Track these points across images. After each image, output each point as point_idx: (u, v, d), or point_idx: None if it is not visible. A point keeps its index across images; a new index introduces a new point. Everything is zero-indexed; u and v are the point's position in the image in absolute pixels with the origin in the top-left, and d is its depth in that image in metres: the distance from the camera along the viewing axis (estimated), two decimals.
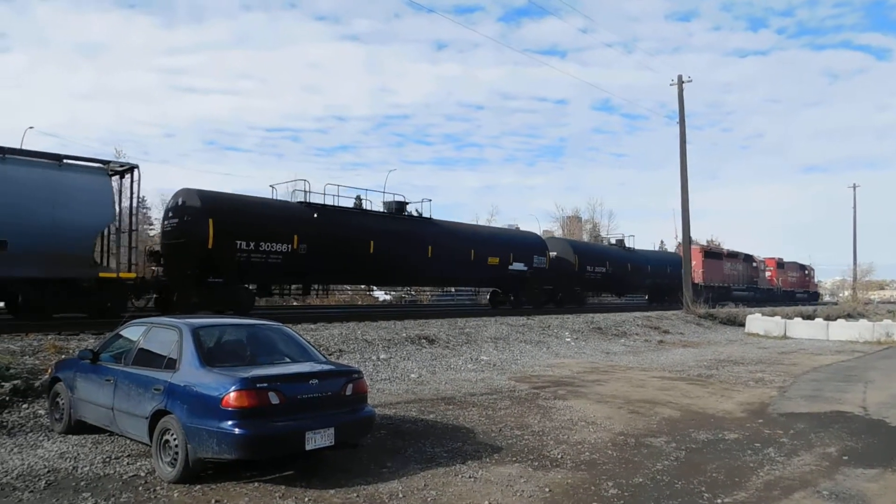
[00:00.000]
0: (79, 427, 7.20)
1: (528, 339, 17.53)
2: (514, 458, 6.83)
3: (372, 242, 21.45)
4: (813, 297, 64.63)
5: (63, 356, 9.47)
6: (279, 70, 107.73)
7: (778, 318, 26.71)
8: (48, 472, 5.97)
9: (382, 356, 13.19)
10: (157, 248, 18.67)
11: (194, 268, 17.44)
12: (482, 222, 26.12)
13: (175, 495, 5.43)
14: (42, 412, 7.89)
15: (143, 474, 5.94)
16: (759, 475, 6.46)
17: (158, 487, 5.61)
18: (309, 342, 7.43)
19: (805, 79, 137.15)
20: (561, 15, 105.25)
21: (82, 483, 5.71)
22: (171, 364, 6.15)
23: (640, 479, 6.21)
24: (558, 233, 58.45)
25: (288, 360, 6.76)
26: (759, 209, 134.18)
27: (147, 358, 6.53)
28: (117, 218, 16.27)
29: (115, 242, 16.51)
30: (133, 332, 7.10)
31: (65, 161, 15.06)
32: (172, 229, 17.76)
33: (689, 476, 6.34)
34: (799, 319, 26.79)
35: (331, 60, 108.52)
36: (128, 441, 6.82)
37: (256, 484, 5.73)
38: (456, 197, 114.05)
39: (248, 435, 5.46)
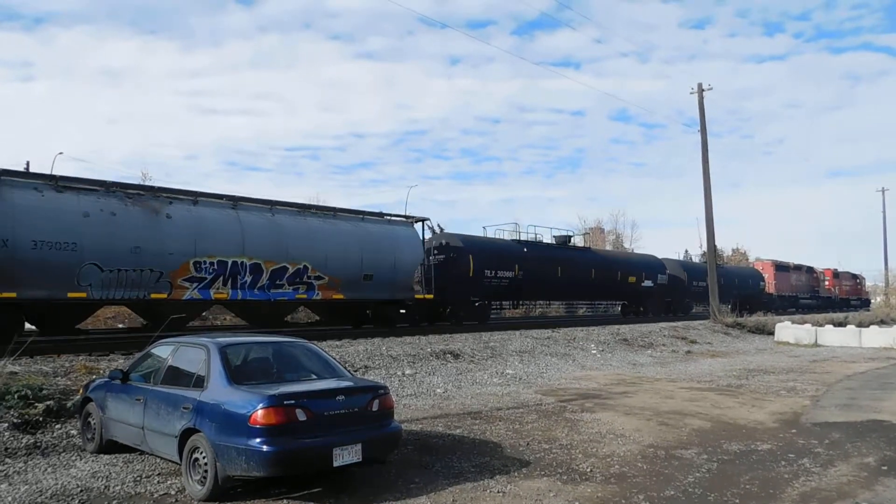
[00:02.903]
0: (110, 446, 7.28)
1: (554, 352, 17.40)
2: (543, 472, 6.76)
3: (559, 268, 28.68)
4: (865, 303, 67.75)
5: (94, 376, 9.61)
6: (297, 90, 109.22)
7: (808, 325, 26.19)
8: (81, 491, 6.05)
9: (408, 371, 13.18)
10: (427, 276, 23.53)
11: (461, 291, 24.09)
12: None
13: None
14: (74, 432, 8.01)
15: (173, 492, 5.99)
16: (795, 486, 6.32)
17: None
18: (334, 358, 7.47)
19: (825, 82, 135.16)
20: (574, 26, 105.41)
21: (114, 502, 5.78)
22: (199, 382, 6.22)
23: (672, 492, 6.11)
24: (581, 244, 58.14)
25: (314, 376, 6.80)
26: (785, 215, 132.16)
27: (176, 377, 6.61)
28: (427, 257, 22.60)
29: (421, 274, 22.48)
30: (162, 352, 7.19)
31: (387, 217, 21.88)
32: (440, 263, 23.40)
33: (722, 488, 6.23)
34: (830, 327, 26.23)
35: (347, 79, 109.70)
36: (158, 460, 6.89)
37: (285, 501, 5.74)
38: (475, 211, 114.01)
39: (276, 452, 5.48)
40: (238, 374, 6.23)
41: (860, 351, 21.77)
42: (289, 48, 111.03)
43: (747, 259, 70.21)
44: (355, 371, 12.00)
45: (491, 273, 25.30)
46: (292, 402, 5.71)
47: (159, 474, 6.56)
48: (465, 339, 17.35)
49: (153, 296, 15.78)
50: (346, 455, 5.81)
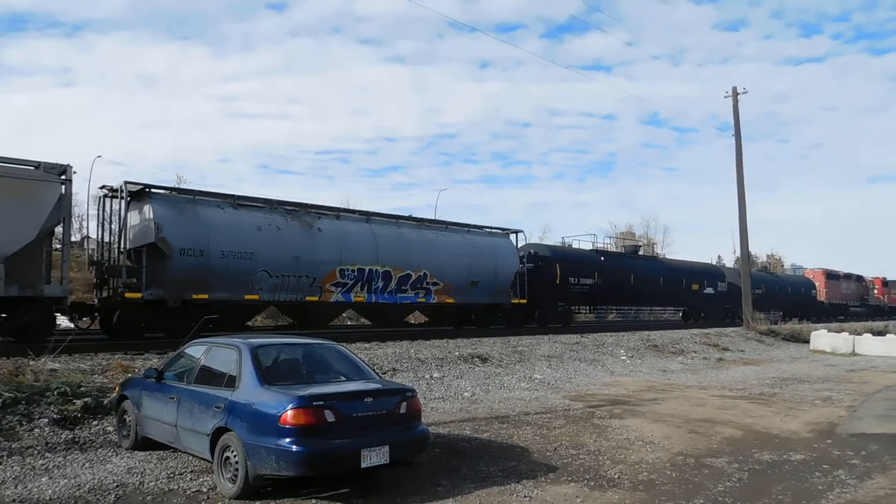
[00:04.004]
0: (145, 443, 7.46)
1: (583, 358, 17.28)
2: (570, 478, 6.73)
3: (632, 276, 31.20)
4: None
5: (130, 375, 9.85)
6: (328, 94, 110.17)
7: (845, 334, 25.53)
8: (117, 486, 6.21)
9: (436, 375, 13.23)
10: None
11: (549, 296, 26.56)
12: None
13: None
14: (111, 429, 8.22)
15: (205, 490, 6.11)
16: (829, 498, 6.19)
17: (220, 503, 5.77)
18: (363, 361, 7.54)
19: (865, 84, 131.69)
20: (605, 29, 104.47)
21: (149, 498, 5.92)
22: (231, 382, 6.34)
23: (701, 501, 6.04)
24: (612, 248, 57.78)
25: (343, 378, 6.88)
26: (822, 221, 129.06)
27: (208, 376, 6.74)
28: (519, 266, 24.54)
29: (516, 281, 24.31)
30: (195, 352, 7.34)
31: (487, 230, 24.48)
32: (530, 271, 25.39)
33: (753, 498, 6.13)
34: (868, 336, 25.49)
35: (377, 82, 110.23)
36: (190, 457, 7.03)
37: (314, 501, 5.82)
38: (505, 215, 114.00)
39: (306, 452, 5.56)
40: (269, 374, 6.33)
41: None
42: (319, 53, 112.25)
43: (782, 265, 68.96)
44: (383, 373, 12.09)
45: (574, 280, 27.90)
46: (321, 403, 5.79)
47: (192, 472, 6.70)
48: (494, 343, 17.33)
49: (308, 298, 18.31)
50: (374, 457, 5.87)
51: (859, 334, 25.57)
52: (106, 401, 8.86)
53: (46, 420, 8.14)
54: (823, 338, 25.42)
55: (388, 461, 5.98)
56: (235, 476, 5.84)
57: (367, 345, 15.51)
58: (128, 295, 15.08)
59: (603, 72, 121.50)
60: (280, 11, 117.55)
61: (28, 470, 6.73)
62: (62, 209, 13.87)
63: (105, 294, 15.76)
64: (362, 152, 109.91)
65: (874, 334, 26.33)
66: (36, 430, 7.93)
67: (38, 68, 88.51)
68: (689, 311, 38.07)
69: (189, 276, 15.84)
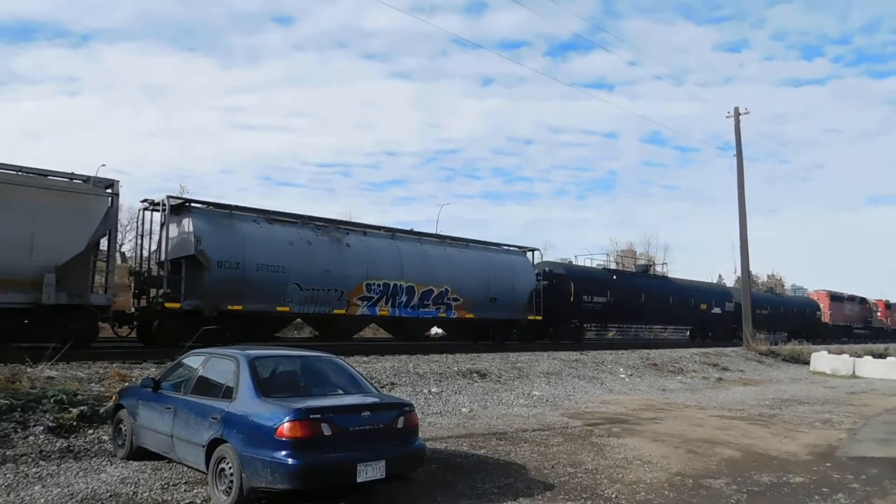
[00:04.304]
0: (140, 453, 7.41)
1: (582, 375, 17.21)
2: (567, 497, 6.68)
3: (643, 295, 31.92)
4: None
5: (126, 384, 9.82)
6: (331, 107, 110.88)
7: (846, 356, 25.43)
8: (110, 496, 6.16)
9: (434, 390, 13.17)
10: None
11: (562, 313, 27.16)
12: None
13: None
14: (106, 438, 8.17)
15: (198, 502, 6.07)
16: None
17: None
18: (361, 374, 7.51)
19: (867, 107, 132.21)
20: (608, 48, 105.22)
21: None
22: (228, 393, 6.31)
23: None
24: (612, 266, 57.81)
25: (341, 391, 6.85)
26: (822, 242, 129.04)
27: (205, 387, 6.71)
28: (536, 283, 25.12)
29: (531, 298, 24.94)
30: (193, 362, 7.32)
31: (505, 247, 25.30)
32: (545, 288, 25.82)
33: None
34: (869, 358, 25.38)
35: (381, 97, 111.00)
36: (185, 468, 6.98)
37: None
38: (506, 231, 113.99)
39: (301, 465, 5.53)
40: (266, 386, 6.30)
41: None
42: (324, 67, 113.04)
43: (783, 285, 68.90)
44: (381, 387, 12.04)
45: (588, 298, 28.63)
46: (318, 416, 5.76)
47: (186, 483, 6.65)
48: (492, 359, 17.27)
49: (335, 311, 19.00)
50: (370, 471, 5.83)
51: (860, 356, 25.47)
52: (102, 409, 8.82)
53: (42, 428, 8.09)
54: (823, 359, 25.31)
55: (384, 476, 5.94)
56: (230, 488, 5.79)
57: (365, 358, 15.45)
58: (167, 305, 15.66)
59: (605, 90, 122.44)
60: (286, 25, 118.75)
61: (21, 478, 6.68)
62: (109, 221, 14.56)
63: (142, 303, 16.35)
64: (364, 166, 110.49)
65: (875, 356, 26.21)
66: (31, 437, 7.88)
67: (45, 76, 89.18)
68: (695, 330, 38.77)
69: (225, 288, 16.46)
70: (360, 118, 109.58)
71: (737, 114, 31.47)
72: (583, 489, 6.98)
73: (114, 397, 8.46)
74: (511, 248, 25.65)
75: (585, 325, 30.81)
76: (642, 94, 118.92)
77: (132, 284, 16.85)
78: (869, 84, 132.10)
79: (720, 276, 65.58)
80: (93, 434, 8.30)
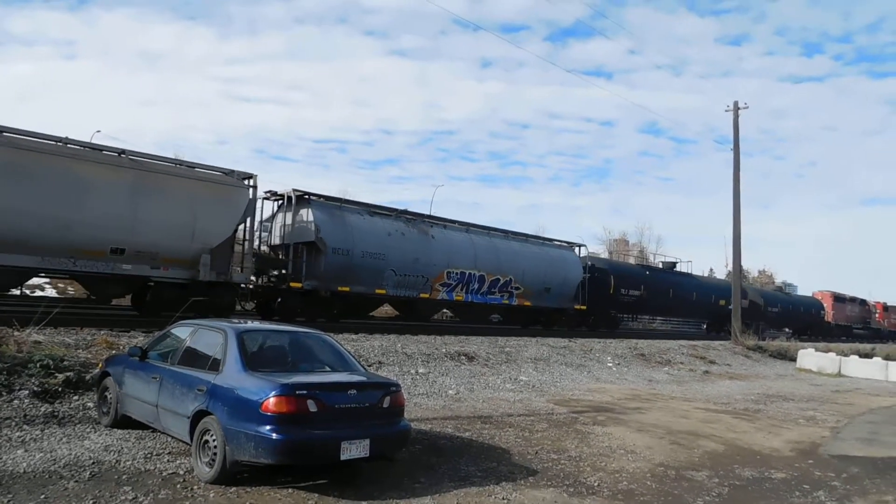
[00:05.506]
0: (124, 422, 7.40)
1: (569, 362, 17.27)
2: (550, 483, 6.71)
3: (671, 290, 34.98)
4: None
5: (114, 351, 9.78)
6: (329, 82, 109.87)
7: (832, 354, 25.60)
8: (93, 463, 6.15)
9: (421, 370, 13.19)
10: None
11: (602, 304, 29.74)
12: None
13: (211, 496, 5.52)
14: (91, 405, 8.15)
15: (181, 472, 6.06)
16: None
17: (195, 487, 5.71)
18: (349, 352, 7.49)
19: (865, 107, 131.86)
20: (609, 35, 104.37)
21: (124, 477, 5.86)
22: (214, 366, 6.28)
23: None
24: (604, 255, 57.95)
25: (328, 368, 6.83)
26: (815, 240, 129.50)
27: (192, 358, 6.68)
28: (583, 275, 27.78)
29: (577, 289, 27.67)
30: (181, 332, 7.28)
31: (556, 242, 28.55)
32: (588, 280, 28.21)
33: None
34: (855, 357, 25.55)
35: (380, 74, 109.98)
36: (169, 439, 6.97)
37: (290, 490, 5.77)
38: (499, 214, 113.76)
39: (285, 441, 5.51)
40: (253, 360, 6.28)
41: (885, 385, 21.23)
42: (324, 41, 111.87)
43: (773, 281, 69.24)
44: (369, 366, 12.05)
45: (625, 291, 31.58)
46: (304, 392, 5.74)
47: (169, 453, 6.64)
48: (481, 343, 17.31)
49: (421, 295, 21.66)
50: (354, 449, 5.82)
51: (846, 356, 25.63)
52: (88, 376, 8.79)
53: (26, 392, 8.06)
54: (810, 357, 25.49)
55: (368, 455, 5.94)
56: (213, 460, 5.78)
57: (354, 336, 15.46)
58: (292, 284, 17.93)
59: (604, 78, 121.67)
60: None
61: (4, 441, 6.66)
62: (248, 210, 16.74)
63: (261, 282, 18.50)
64: (360, 143, 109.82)
65: (861, 356, 26.41)
66: (15, 401, 7.85)
67: (41, 39, 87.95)
68: (712, 324, 41.02)
69: (337, 271, 18.90)
70: (358, 95, 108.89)
71: (736, 108, 31.29)
72: (565, 476, 7.01)
73: (100, 364, 8.42)
74: (562, 244, 28.65)
75: (620, 315, 33.69)
76: (641, 83, 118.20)
77: (255, 265, 18.40)
78: (868, 83, 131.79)
79: (711, 269, 65.94)
80: (78, 401, 8.28)
